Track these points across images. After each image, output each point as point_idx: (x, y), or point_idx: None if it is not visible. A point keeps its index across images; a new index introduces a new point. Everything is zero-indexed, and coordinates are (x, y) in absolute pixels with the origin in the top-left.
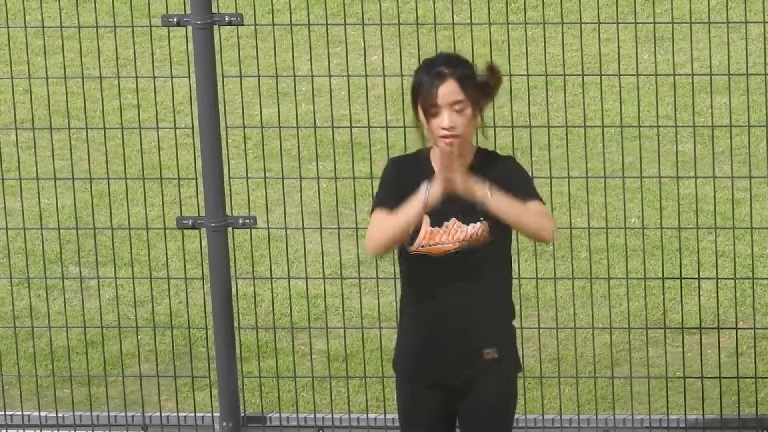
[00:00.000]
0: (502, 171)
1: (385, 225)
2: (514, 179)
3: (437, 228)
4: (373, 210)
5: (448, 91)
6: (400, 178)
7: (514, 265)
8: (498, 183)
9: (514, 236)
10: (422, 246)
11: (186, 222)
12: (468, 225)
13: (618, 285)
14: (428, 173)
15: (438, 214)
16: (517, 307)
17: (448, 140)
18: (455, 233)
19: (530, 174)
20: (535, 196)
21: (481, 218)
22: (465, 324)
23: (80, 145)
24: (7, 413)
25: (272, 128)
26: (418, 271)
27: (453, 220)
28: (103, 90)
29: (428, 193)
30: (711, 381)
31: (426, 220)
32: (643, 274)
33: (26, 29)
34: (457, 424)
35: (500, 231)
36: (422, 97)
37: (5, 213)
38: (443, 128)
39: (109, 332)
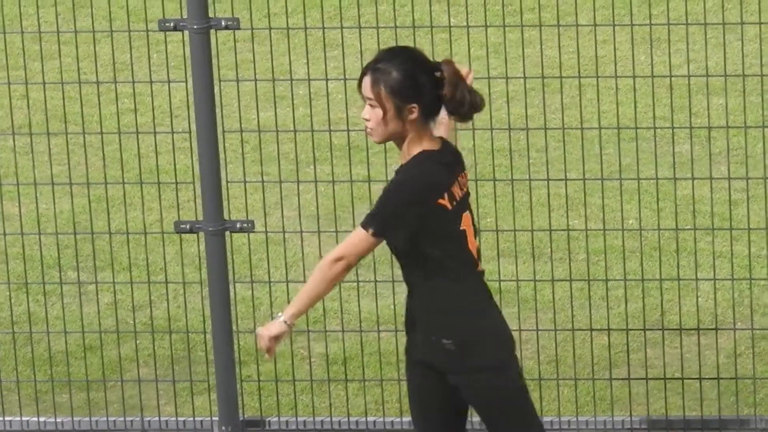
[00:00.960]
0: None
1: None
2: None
3: None
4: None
5: (365, 84)
6: None
7: (512, 267)
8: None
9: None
10: None
11: (184, 226)
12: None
13: (616, 286)
14: None
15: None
16: (515, 310)
17: (367, 131)
18: None
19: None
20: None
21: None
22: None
23: (78, 150)
24: (6, 419)
25: (270, 132)
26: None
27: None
28: (101, 95)
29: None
30: (709, 382)
31: None
32: (641, 276)
33: (23, 34)
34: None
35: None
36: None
37: (3, 218)
38: (364, 118)
39: (107, 337)
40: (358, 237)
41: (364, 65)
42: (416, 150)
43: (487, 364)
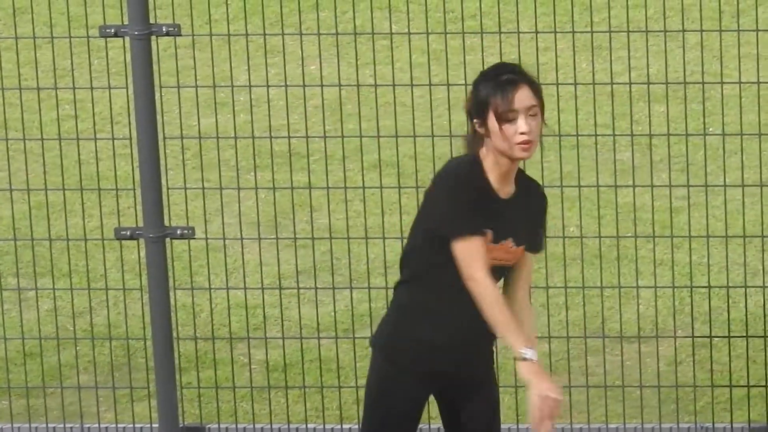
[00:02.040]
0: (538, 205)
1: (493, 307)
2: (543, 219)
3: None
4: (464, 231)
5: (524, 95)
6: (478, 195)
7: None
8: (531, 214)
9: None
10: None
11: (124, 233)
12: (518, 246)
13: (557, 294)
14: (485, 177)
15: (500, 232)
16: None
17: (526, 146)
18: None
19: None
20: (542, 246)
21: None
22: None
23: (18, 156)
24: None
25: (210, 139)
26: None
27: (510, 240)
28: (41, 101)
29: (528, 357)
30: (650, 389)
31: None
32: (582, 283)
33: None
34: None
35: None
36: (496, 104)
37: None
38: (522, 133)
39: (47, 343)
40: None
41: (499, 79)
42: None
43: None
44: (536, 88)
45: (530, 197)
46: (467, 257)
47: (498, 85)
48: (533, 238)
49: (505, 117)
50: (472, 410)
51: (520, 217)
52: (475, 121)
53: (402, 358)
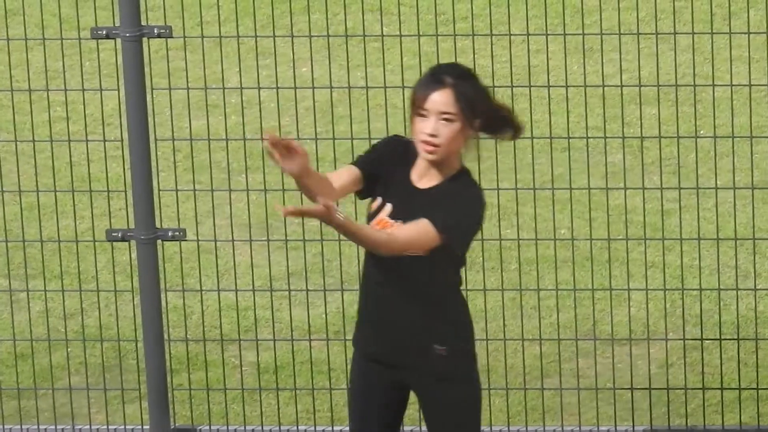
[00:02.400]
0: (447, 188)
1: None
2: (450, 198)
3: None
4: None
5: (441, 99)
6: (393, 152)
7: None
8: (435, 195)
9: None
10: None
11: (116, 234)
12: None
13: (548, 296)
14: (411, 160)
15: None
16: None
17: (428, 147)
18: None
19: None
20: (438, 219)
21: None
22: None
23: (10, 157)
24: None
25: (202, 140)
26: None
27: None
28: (33, 102)
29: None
30: (641, 392)
31: (387, 208)
32: (573, 286)
33: None
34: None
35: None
36: (416, 97)
37: None
38: (426, 132)
39: (38, 345)
40: (414, 228)
41: (431, 75)
42: (455, 166)
43: (471, 375)
44: (462, 98)
45: (444, 186)
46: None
47: (426, 79)
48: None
49: (418, 111)
50: (424, 408)
51: (425, 208)
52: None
53: (354, 339)
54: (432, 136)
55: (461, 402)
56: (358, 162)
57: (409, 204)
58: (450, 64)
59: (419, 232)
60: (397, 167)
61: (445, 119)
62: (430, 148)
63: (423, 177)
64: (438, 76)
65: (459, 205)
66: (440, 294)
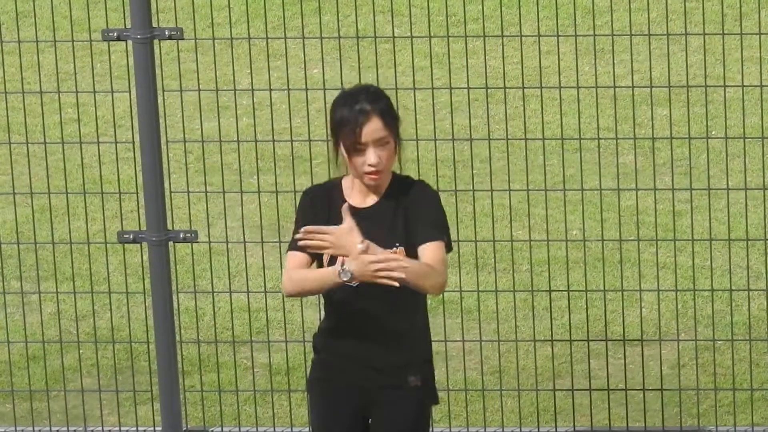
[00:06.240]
0: (414, 199)
1: (305, 279)
2: (424, 208)
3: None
4: (290, 247)
5: (372, 128)
6: (314, 207)
7: (456, 278)
8: (408, 211)
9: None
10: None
11: (127, 236)
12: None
13: (559, 297)
14: (339, 202)
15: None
16: (458, 320)
17: (374, 176)
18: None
19: (440, 199)
20: (439, 234)
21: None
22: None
23: (21, 159)
24: None
25: (213, 142)
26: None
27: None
28: (44, 105)
29: (346, 272)
30: (653, 393)
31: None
32: (585, 287)
33: None
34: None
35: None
36: (345, 135)
37: None
38: (370, 165)
39: (50, 347)
40: (441, 253)
41: (352, 110)
42: (389, 175)
43: (432, 385)
44: (388, 118)
45: (401, 197)
46: (288, 267)
47: (349, 116)
48: (413, 235)
49: (354, 149)
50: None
51: (381, 223)
52: (334, 141)
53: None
54: (375, 165)
55: (420, 409)
56: (297, 248)
57: (374, 226)
58: (357, 89)
59: (440, 250)
60: (331, 212)
61: (381, 144)
62: (375, 176)
63: (365, 197)
64: (359, 107)
65: (433, 209)
66: (414, 321)
